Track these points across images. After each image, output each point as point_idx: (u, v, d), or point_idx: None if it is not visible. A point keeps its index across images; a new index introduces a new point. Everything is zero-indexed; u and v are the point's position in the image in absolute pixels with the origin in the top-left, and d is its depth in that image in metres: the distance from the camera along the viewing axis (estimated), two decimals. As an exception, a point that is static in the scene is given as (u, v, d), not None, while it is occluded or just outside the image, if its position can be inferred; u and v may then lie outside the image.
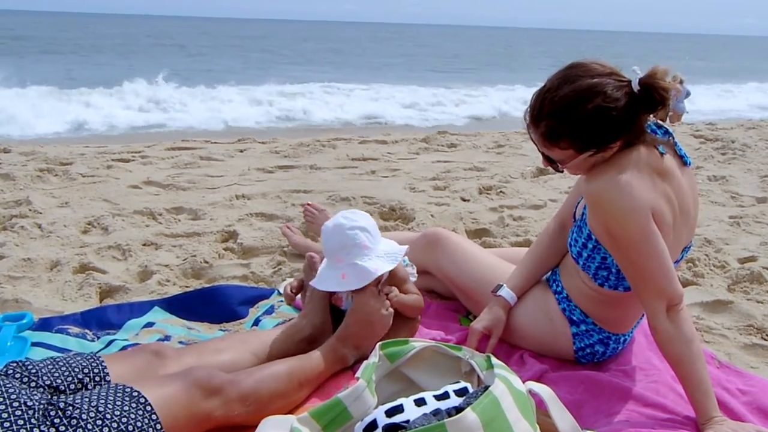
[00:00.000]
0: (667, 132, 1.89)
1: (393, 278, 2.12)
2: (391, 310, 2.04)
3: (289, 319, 2.33)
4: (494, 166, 5.00)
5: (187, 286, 2.70)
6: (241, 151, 5.32)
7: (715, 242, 3.29)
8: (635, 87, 1.72)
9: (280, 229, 3.17)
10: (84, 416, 1.35)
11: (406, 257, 2.22)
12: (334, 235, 2.02)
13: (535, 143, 1.87)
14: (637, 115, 1.75)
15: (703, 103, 16.00)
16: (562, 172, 1.89)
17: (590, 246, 1.92)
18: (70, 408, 1.36)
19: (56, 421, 1.34)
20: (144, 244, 3.10)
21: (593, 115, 1.72)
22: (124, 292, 2.59)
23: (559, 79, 1.78)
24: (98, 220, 3.37)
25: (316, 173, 4.67)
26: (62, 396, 1.44)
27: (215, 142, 5.79)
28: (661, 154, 1.81)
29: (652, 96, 1.72)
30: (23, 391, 1.39)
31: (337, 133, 7.13)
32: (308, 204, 3.14)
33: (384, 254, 2.05)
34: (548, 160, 1.88)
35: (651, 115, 1.81)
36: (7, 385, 1.39)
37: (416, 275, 2.25)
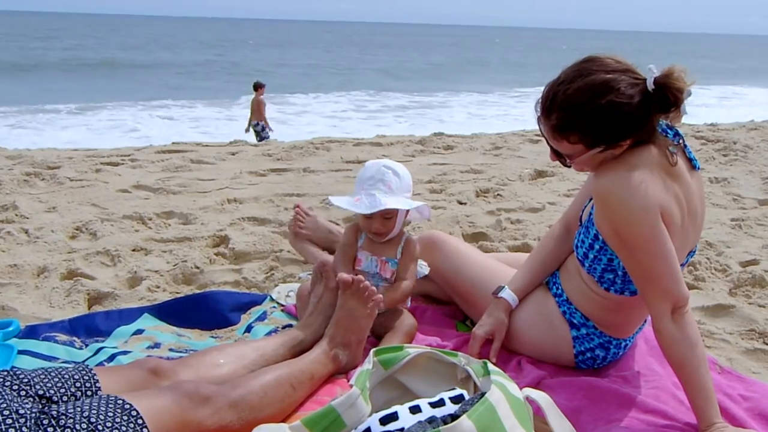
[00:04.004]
0: (677, 134, 1.86)
1: (405, 252, 2.21)
2: (375, 302, 2.05)
3: (283, 327, 2.31)
4: (491, 169, 4.97)
5: (177, 292, 2.67)
6: (233, 154, 5.27)
7: (716, 245, 3.25)
8: (650, 86, 1.70)
9: (294, 211, 2.95)
10: (77, 426, 1.34)
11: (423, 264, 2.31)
12: (369, 167, 2.17)
13: (544, 136, 1.85)
14: (649, 115, 1.73)
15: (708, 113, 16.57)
16: (570, 167, 1.87)
17: (597, 247, 1.89)
18: (63, 417, 1.35)
19: (49, 430, 1.33)
20: (133, 250, 3.06)
21: (605, 111, 1.70)
22: (113, 298, 2.55)
23: (574, 72, 1.76)
24: (86, 225, 3.33)
25: (310, 176, 4.62)
26: (54, 406, 1.43)
27: (206, 145, 5.74)
28: (672, 154, 1.78)
29: (666, 96, 1.70)
30: (14, 400, 1.38)
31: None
32: (297, 206, 3.01)
33: (401, 198, 2.13)
34: (556, 154, 1.86)
35: (663, 116, 1.78)
36: None
37: (428, 269, 2.33)
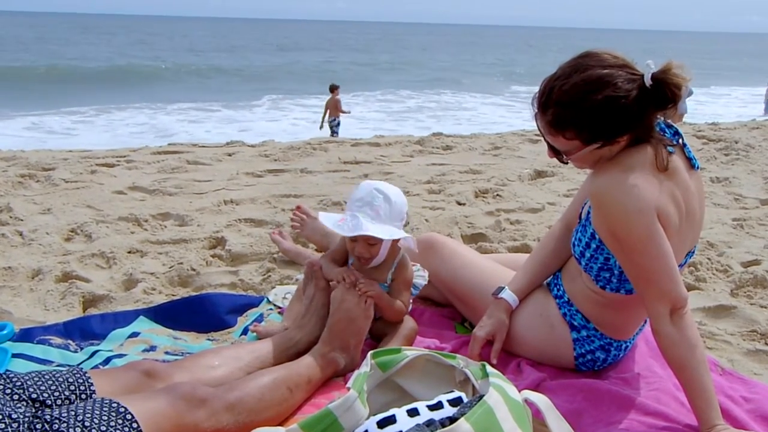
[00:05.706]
0: (677, 133, 1.84)
1: (397, 278, 2.15)
2: (370, 301, 2.03)
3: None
4: (491, 169, 4.95)
5: (173, 295, 2.65)
6: (230, 155, 5.25)
7: (717, 245, 3.24)
8: (647, 81, 1.68)
9: (269, 236, 3.11)
10: (71, 430, 1.33)
11: (419, 266, 2.25)
12: (362, 188, 2.08)
13: (540, 131, 1.84)
14: (646, 111, 1.71)
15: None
16: (567, 163, 1.86)
17: (593, 246, 1.88)
18: (57, 422, 1.34)
19: None
20: (129, 252, 3.04)
21: (602, 106, 1.68)
22: (108, 301, 2.53)
23: (571, 67, 1.75)
24: (81, 227, 3.31)
25: (307, 177, 4.60)
26: (47, 410, 1.42)
27: (203, 146, 5.72)
28: (669, 153, 1.76)
29: (664, 92, 1.68)
30: (7, 404, 1.37)
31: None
32: (298, 207, 3.05)
33: (388, 226, 2.04)
34: (553, 151, 1.85)
35: (661, 113, 1.76)
36: None
37: (427, 278, 2.25)
